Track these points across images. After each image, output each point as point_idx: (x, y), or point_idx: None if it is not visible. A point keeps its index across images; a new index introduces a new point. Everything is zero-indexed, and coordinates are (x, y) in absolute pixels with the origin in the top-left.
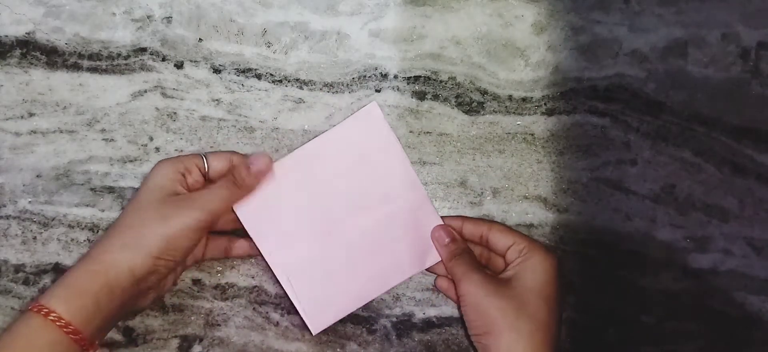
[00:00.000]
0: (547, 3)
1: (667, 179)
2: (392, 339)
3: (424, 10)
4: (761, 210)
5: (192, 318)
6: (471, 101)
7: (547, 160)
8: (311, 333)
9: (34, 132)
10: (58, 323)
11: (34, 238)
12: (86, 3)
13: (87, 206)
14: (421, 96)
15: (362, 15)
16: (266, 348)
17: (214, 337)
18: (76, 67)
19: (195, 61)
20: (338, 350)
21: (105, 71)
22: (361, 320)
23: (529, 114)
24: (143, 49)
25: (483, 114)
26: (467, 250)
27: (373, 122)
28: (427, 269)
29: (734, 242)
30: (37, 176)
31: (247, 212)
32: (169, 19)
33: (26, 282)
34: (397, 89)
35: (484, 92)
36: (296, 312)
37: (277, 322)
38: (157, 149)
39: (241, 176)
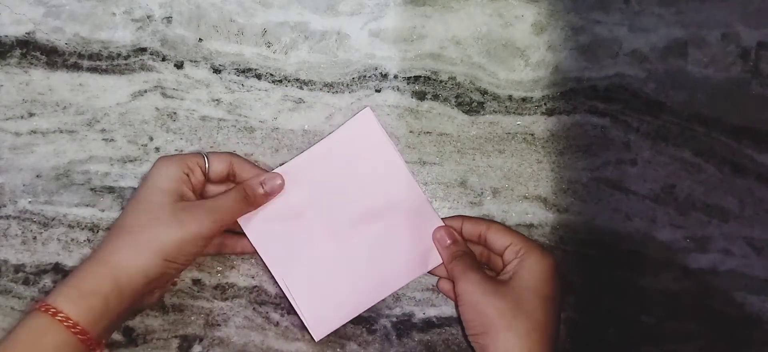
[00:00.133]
0: (547, 3)
1: (667, 179)
2: (392, 339)
3: (424, 10)
4: (761, 210)
5: (192, 318)
6: (471, 101)
7: (547, 160)
8: (314, 339)
9: (34, 132)
10: (65, 323)
11: (34, 238)
12: (86, 3)
13: (87, 206)
14: (421, 96)
15: (362, 15)
16: (266, 348)
17: (214, 337)
18: (76, 67)
19: (195, 61)
20: (338, 350)
21: (105, 71)
22: (361, 320)
23: (529, 114)
24: (143, 49)
25: (483, 114)
26: (468, 251)
27: (367, 128)
28: (430, 271)
29: (734, 242)
30: (37, 176)
31: (248, 219)
32: (169, 19)
33: (26, 282)
34: (397, 89)
35: (484, 92)
36: (297, 312)
37: (277, 322)
38: (157, 149)
39: (253, 193)
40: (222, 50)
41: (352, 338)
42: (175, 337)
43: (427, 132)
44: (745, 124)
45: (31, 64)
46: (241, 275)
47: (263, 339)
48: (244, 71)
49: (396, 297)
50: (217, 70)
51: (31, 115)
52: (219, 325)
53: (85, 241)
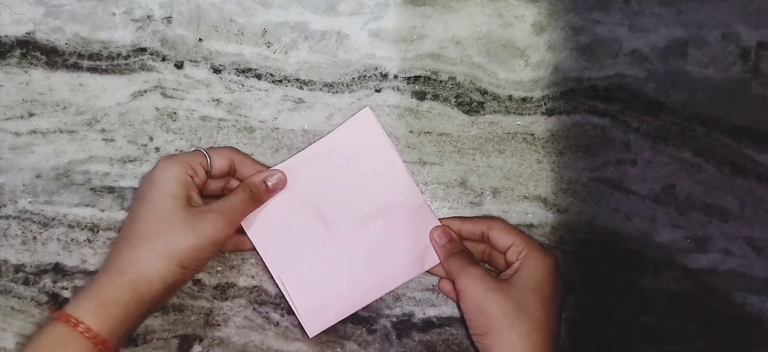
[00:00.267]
0: (547, 3)
1: (667, 179)
2: (392, 339)
3: (424, 10)
4: (761, 210)
5: (192, 318)
6: (471, 101)
7: (547, 160)
8: (307, 335)
9: (34, 132)
10: (86, 334)
11: (34, 238)
12: (86, 3)
13: (87, 206)
14: (421, 96)
15: (362, 15)
16: (266, 348)
17: (214, 337)
18: (76, 67)
19: (195, 61)
20: (338, 350)
21: (105, 71)
22: (361, 320)
23: (529, 114)
24: (143, 49)
25: (483, 114)
26: (465, 249)
27: (366, 128)
28: (428, 271)
29: (734, 242)
30: (37, 176)
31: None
32: (169, 19)
33: (26, 282)
34: (397, 89)
35: (484, 92)
36: (292, 309)
37: (277, 322)
38: (157, 149)
39: (259, 191)
40: (222, 50)
41: (351, 337)
42: (175, 337)
43: (427, 132)
44: (745, 124)
45: (31, 64)
46: (241, 275)
47: (263, 339)
48: (244, 71)
49: (396, 297)
50: (217, 70)
51: (31, 115)
52: (219, 325)
53: (85, 241)
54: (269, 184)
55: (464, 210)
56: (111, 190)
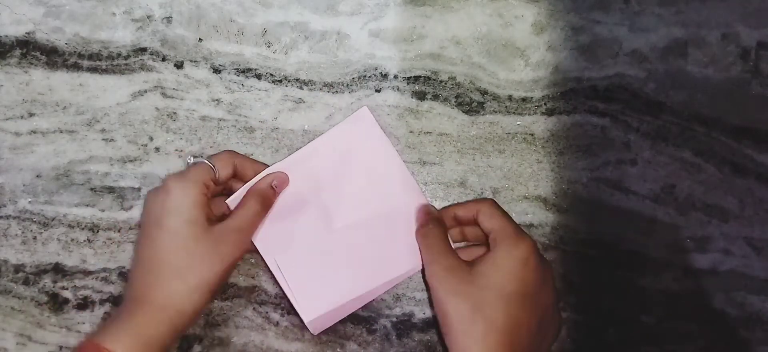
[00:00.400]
0: (547, 3)
1: (667, 179)
2: (392, 339)
3: (424, 10)
4: (761, 210)
5: None
6: (471, 101)
7: (547, 160)
8: (304, 322)
9: (34, 132)
10: None
11: (34, 238)
12: (86, 3)
13: (87, 206)
14: (421, 96)
15: (362, 15)
16: (266, 348)
17: (214, 337)
18: (76, 67)
19: (195, 61)
20: (338, 350)
21: (105, 71)
22: (361, 320)
23: (529, 114)
24: (143, 49)
25: (483, 114)
26: (439, 226)
27: (364, 126)
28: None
29: (734, 242)
30: (37, 176)
31: None
32: (169, 19)
33: (26, 282)
34: (397, 89)
35: (484, 92)
36: (296, 312)
37: (277, 322)
38: (157, 149)
39: (268, 198)
40: (222, 50)
41: (352, 337)
42: None
43: (427, 132)
44: (745, 124)
45: (31, 64)
46: (241, 275)
47: (263, 339)
48: (244, 71)
49: (396, 297)
50: (217, 70)
51: (31, 115)
52: (219, 325)
53: (85, 241)
54: (275, 187)
55: None
56: (111, 190)
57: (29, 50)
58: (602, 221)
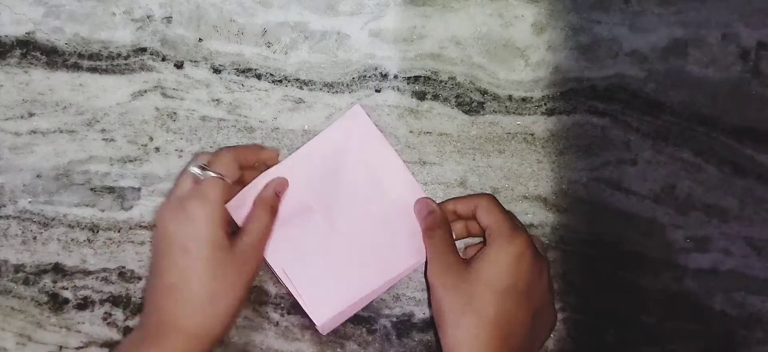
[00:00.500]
0: (547, 3)
1: (667, 179)
2: (392, 339)
3: (424, 10)
4: (761, 210)
5: None
6: (471, 101)
7: (547, 160)
8: (314, 322)
9: (34, 132)
10: None
11: (34, 238)
12: (86, 3)
13: (87, 206)
14: (421, 96)
15: (362, 15)
16: (266, 348)
17: None
18: (76, 67)
19: (195, 61)
20: (338, 349)
21: (105, 71)
22: (361, 320)
23: (529, 114)
24: (143, 49)
25: (483, 114)
26: (445, 226)
27: (358, 124)
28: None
29: (734, 242)
30: (37, 176)
31: (243, 214)
32: (169, 19)
33: (26, 282)
34: (397, 89)
35: (484, 92)
36: (296, 312)
37: (277, 322)
38: (157, 149)
39: (275, 204)
40: (222, 50)
41: (352, 337)
42: None
43: (427, 132)
44: (745, 124)
45: (31, 64)
46: None
47: (263, 339)
48: (244, 71)
49: (396, 297)
50: (217, 70)
51: (31, 115)
52: None
53: (85, 241)
54: (278, 192)
55: None
56: (111, 190)
57: (29, 50)
58: (602, 221)
